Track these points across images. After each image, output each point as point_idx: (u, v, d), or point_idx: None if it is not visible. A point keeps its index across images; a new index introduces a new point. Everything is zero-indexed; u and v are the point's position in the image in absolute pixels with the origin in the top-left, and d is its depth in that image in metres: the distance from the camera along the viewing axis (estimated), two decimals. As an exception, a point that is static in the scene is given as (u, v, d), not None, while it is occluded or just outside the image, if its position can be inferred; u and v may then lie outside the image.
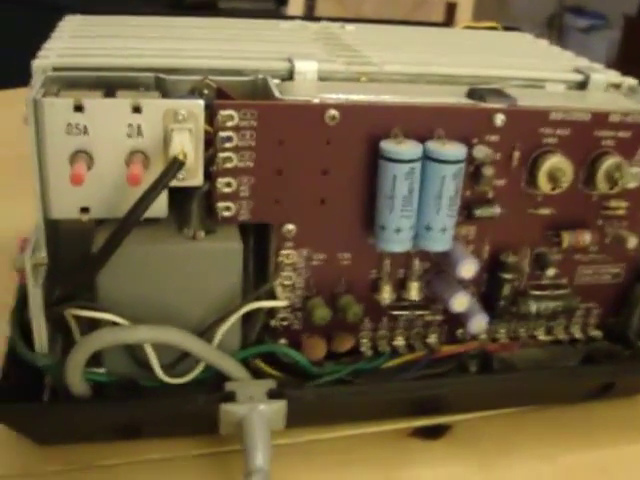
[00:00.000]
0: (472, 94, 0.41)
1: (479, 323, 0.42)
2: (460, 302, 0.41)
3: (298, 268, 0.41)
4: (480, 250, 0.43)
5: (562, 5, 3.21)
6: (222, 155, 0.38)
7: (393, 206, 0.38)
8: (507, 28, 0.59)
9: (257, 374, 0.41)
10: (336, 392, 0.41)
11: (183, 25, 0.51)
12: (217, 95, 0.40)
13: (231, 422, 0.39)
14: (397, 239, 0.39)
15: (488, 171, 0.40)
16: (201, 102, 0.37)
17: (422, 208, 0.39)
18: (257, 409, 0.38)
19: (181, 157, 0.36)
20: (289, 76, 0.42)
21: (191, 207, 0.39)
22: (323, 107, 0.38)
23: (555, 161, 0.41)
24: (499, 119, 0.40)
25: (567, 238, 0.43)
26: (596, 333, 0.48)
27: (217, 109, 0.37)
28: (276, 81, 0.41)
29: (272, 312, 0.42)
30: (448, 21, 1.26)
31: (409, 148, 0.38)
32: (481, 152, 0.39)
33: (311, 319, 0.41)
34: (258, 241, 0.41)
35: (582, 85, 0.47)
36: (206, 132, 0.37)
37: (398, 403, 0.43)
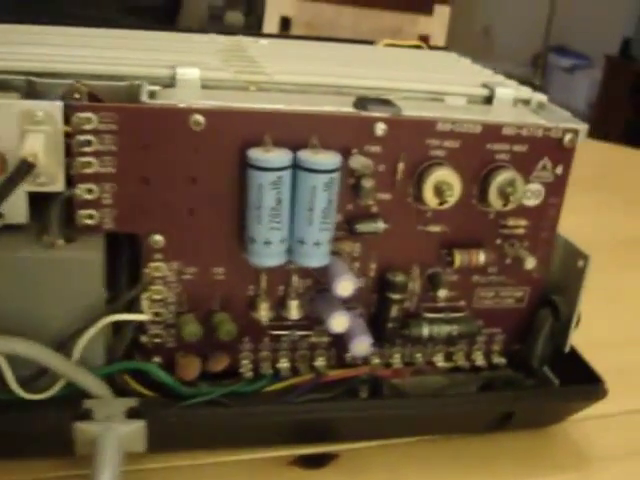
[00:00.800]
0: (357, 104, 0.39)
1: (361, 345, 0.40)
2: (338, 322, 0.39)
3: (168, 282, 0.39)
4: (366, 268, 0.41)
5: (546, 45, 3.24)
6: (81, 159, 0.36)
7: (261, 217, 0.36)
8: (433, 48, 0.57)
9: (127, 393, 0.39)
10: (201, 414, 0.38)
11: (82, 34, 0.49)
12: (89, 100, 0.38)
13: (86, 442, 0.36)
14: (267, 252, 0.37)
15: (367, 183, 0.38)
16: (59, 103, 0.35)
17: (295, 220, 0.37)
18: (112, 429, 0.36)
19: (31, 159, 0.34)
20: (171, 83, 0.41)
21: (51, 214, 0.37)
22: (187, 112, 0.36)
23: (440, 174, 0.38)
24: (380, 129, 0.38)
25: (459, 257, 0.41)
26: (500, 360, 0.45)
27: (73, 111, 0.35)
28: (156, 88, 0.40)
29: (143, 328, 0.40)
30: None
31: (276, 156, 0.36)
32: (357, 162, 0.37)
33: (181, 336, 0.39)
34: (133, 251, 0.39)
35: (488, 100, 0.45)
36: (69, 135, 0.36)
37: (276, 428, 0.41)
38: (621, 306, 0.63)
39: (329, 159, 0.36)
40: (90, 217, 0.37)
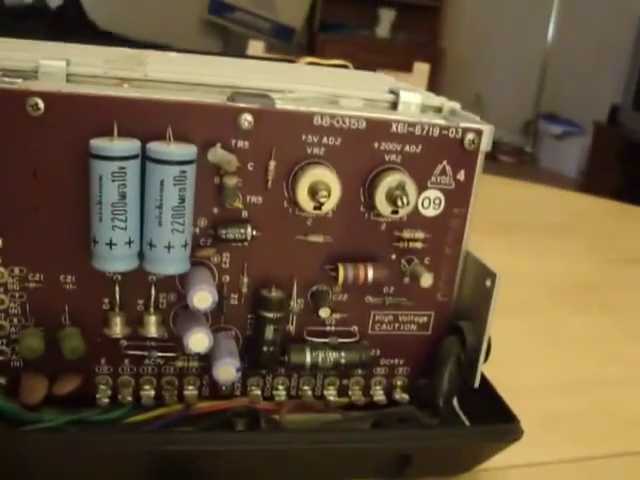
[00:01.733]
0: (230, 98, 0.35)
1: (225, 370, 0.35)
2: (197, 341, 0.34)
3: (11, 290, 0.34)
4: (238, 283, 0.36)
5: (537, 112, 3.26)
6: None
7: (102, 214, 0.32)
8: (360, 68, 0.53)
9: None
10: (31, 440, 0.33)
11: None
12: None
13: None
14: (111, 255, 0.32)
15: (231, 181, 0.34)
16: None
17: (144, 220, 0.33)
18: None
19: None
20: (33, 76, 0.37)
21: None
22: (23, 94, 0.32)
23: (315, 173, 0.34)
24: (246, 121, 0.34)
25: (343, 272, 0.36)
26: (402, 396, 0.40)
27: None
28: (16, 80, 0.36)
29: (-17, 344, 0.35)
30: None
31: (119, 143, 0.32)
32: (216, 155, 0.33)
33: (20, 352, 0.34)
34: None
35: (393, 106, 0.40)
36: None
37: (124, 461, 0.35)
38: (563, 350, 0.57)
39: (180, 149, 0.32)
40: None
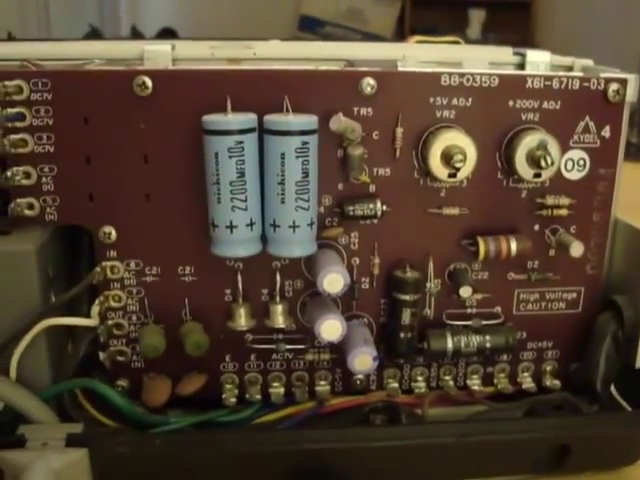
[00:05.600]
0: (349, 64, 0.33)
1: (361, 360, 0.32)
2: (329, 329, 0.31)
3: (128, 286, 0.32)
4: (369, 264, 0.33)
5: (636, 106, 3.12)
6: (14, 137, 0.30)
7: (220, 194, 0.29)
8: (472, 42, 0.50)
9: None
10: (159, 446, 0.31)
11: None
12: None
13: (16, 474, 0.29)
14: (232, 240, 0.30)
15: (356, 151, 0.31)
16: (-17, 72, 0.30)
17: (265, 199, 0.30)
18: (44, 458, 0.29)
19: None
20: (139, 63, 0.35)
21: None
22: (130, 74, 0.30)
23: (448, 136, 0.31)
24: (368, 85, 0.31)
25: (483, 246, 0.32)
26: (553, 383, 0.36)
27: (0, 80, 0.30)
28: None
29: (103, 344, 0.33)
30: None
31: (235, 117, 0.29)
32: (338, 123, 0.30)
33: (141, 351, 0.32)
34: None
35: (520, 67, 0.37)
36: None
37: (261, 464, 0.32)
38: None
39: (301, 119, 0.29)
40: (30, 207, 0.31)
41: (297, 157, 0.29)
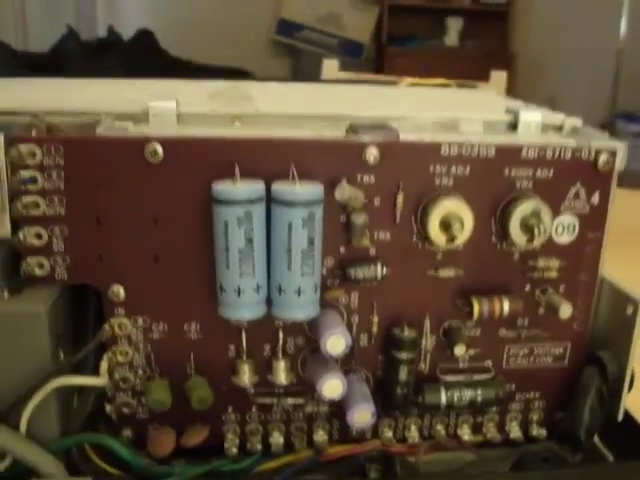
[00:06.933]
0: (349, 130, 0.34)
1: (361, 415, 0.33)
2: (331, 387, 0.32)
3: (135, 341, 0.34)
4: (368, 322, 0.35)
5: (613, 112, 3.16)
6: (26, 199, 0.31)
7: (228, 261, 0.31)
8: (462, 86, 0.52)
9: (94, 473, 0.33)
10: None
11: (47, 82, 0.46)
12: (46, 136, 0.34)
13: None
14: (239, 303, 0.31)
15: (359, 219, 0.32)
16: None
17: (272, 264, 0.31)
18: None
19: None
20: (144, 119, 0.36)
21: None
22: (142, 141, 0.31)
23: (447, 204, 0.32)
24: (371, 155, 0.32)
25: (478, 306, 0.34)
26: (539, 432, 0.37)
27: (15, 143, 0.31)
28: (126, 123, 0.35)
29: (109, 396, 0.34)
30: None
31: (243, 186, 0.30)
32: (343, 192, 0.32)
33: (148, 405, 0.33)
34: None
35: (512, 127, 0.38)
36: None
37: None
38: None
39: (308, 189, 0.31)
40: (40, 266, 0.32)
41: (303, 227, 0.30)
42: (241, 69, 1.94)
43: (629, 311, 0.35)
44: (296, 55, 2.68)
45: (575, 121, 0.38)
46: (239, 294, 0.31)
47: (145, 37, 1.99)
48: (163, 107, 0.35)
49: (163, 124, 0.34)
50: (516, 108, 0.38)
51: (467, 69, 1.50)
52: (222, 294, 0.31)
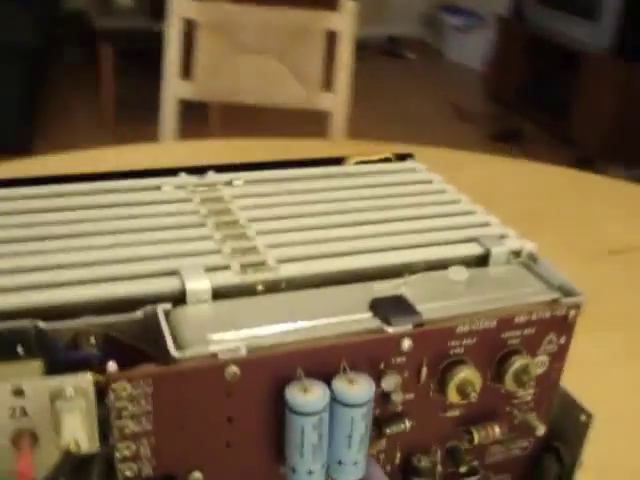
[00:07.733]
0: (374, 308, 0.40)
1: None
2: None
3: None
4: (392, 457, 0.42)
5: (438, 3, 3.26)
6: (118, 423, 0.35)
7: (303, 453, 0.37)
8: (399, 156, 0.57)
9: None
10: None
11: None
12: (104, 341, 0.38)
13: None
14: (309, 480, 0.38)
15: (398, 397, 0.39)
16: (88, 376, 0.34)
17: (333, 445, 0.38)
18: None
19: (73, 447, 0.33)
20: (181, 297, 0.40)
21: (91, 472, 0.36)
22: (222, 365, 0.36)
23: (463, 376, 0.40)
24: (406, 344, 0.39)
25: (477, 435, 0.43)
26: (508, 503, 0.48)
27: (109, 382, 0.34)
28: (166, 306, 0.39)
29: None
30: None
31: (315, 399, 0.36)
32: (390, 384, 0.38)
33: None
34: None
35: (483, 258, 0.46)
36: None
37: None
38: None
39: (364, 392, 0.37)
40: (130, 469, 0.36)
41: (362, 419, 0.37)
42: None
43: (582, 419, 0.44)
44: None
45: (529, 246, 0.47)
46: (310, 475, 0.37)
47: None
48: (199, 287, 0.40)
49: (202, 307, 0.39)
50: (484, 240, 0.46)
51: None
52: (293, 474, 0.38)
